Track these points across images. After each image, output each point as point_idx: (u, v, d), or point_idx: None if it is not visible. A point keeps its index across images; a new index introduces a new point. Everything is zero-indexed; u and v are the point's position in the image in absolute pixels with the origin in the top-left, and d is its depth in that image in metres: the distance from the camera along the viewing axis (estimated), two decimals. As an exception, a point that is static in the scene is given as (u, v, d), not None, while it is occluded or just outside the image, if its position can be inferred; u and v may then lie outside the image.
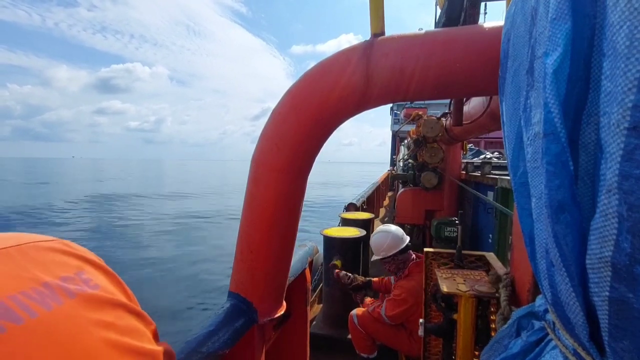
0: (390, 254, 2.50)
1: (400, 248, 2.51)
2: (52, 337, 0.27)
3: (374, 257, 2.64)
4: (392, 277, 2.77)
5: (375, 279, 2.89)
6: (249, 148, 1.62)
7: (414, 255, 2.61)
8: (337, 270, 2.88)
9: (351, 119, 1.51)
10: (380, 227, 2.67)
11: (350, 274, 2.83)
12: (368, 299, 2.77)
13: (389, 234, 2.56)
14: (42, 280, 0.29)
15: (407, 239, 2.61)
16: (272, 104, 1.55)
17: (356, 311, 2.65)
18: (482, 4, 2.44)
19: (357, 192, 9.55)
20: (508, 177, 2.63)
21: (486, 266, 1.52)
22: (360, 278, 2.83)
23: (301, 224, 1.70)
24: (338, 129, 1.57)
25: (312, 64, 1.50)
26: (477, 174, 4.60)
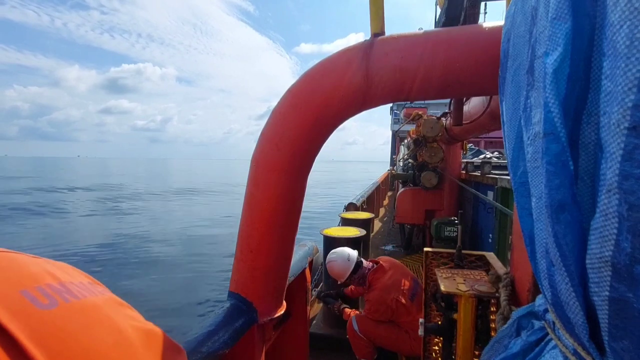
0: (345, 278, 2.62)
1: (350, 270, 2.61)
2: (100, 312, 0.34)
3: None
4: None
5: (347, 289, 3.02)
6: (254, 147, 1.62)
7: (369, 265, 2.68)
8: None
9: (355, 118, 1.52)
10: (328, 257, 2.74)
11: (323, 292, 3.06)
12: (347, 310, 2.82)
13: (336, 262, 2.65)
14: (77, 279, 0.36)
15: (355, 256, 2.66)
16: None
17: (356, 317, 2.65)
18: (482, 3, 2.44)
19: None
20: (508, 177, 2.63)
21: (486, 266, 1.52)
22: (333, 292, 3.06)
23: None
24: (342, 127, 1.58)
25: (317, 64, 1.49)
26: (477, 173, 4.60)
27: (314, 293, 3.15)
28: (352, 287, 2.97)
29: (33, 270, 0.31)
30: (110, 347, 0.32)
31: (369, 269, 2.64)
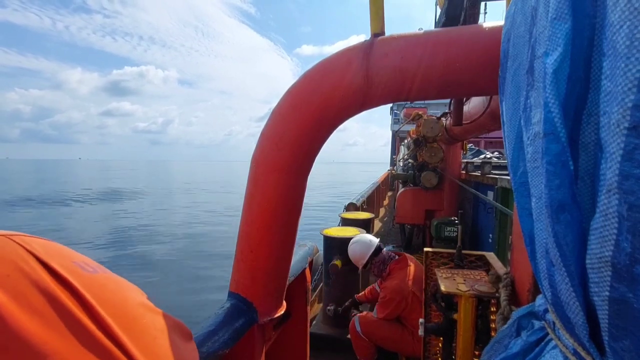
0: (365, 260, 2.64)
1: (370, 252, 2.64)
2: (124, 282, 0.41)
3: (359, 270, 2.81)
4: (375, 284, 2.88)
5: (359, 294, 3.01)
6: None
7: (391, 254, 2.71)
8: (330, 309, 3.03)
9: (356, 119, 1.52)
10: (349, 243, 2.77)
11: (337, 308, 3.02)
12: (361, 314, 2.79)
13: (357, 244, 2.70)
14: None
15: (376, 241, 2.72)
16: (279, 105, 1.54)
17: (359, 319, 2.64)
18: (482, 3, 2.44)
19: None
20: (508, 177, 2.63)
21: (486, 266, 1.52)
22: (348, 303, 3.00)
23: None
24: (342, 128, 1.58)
25: (318, 65, 1.49)
26: (477, 173, 4.61)
27: (319, 304, 3.13)
28: (365, 292, 2.96)
29: (72, 251, 0.39)
30: (138, 305, 0.40)
31: (391, 257, 2.67)
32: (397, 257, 2.69)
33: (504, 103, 0.71)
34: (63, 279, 0.32)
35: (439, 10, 3.02)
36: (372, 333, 2.54)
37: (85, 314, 0.31)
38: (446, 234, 4.51)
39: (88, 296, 0.32)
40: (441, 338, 1.59)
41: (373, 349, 2.59)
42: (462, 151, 5.61)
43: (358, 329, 2.58)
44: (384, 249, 2.72)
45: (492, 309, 1.29)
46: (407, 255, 2.72)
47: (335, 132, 1.59)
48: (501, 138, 0.73)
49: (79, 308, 0.31)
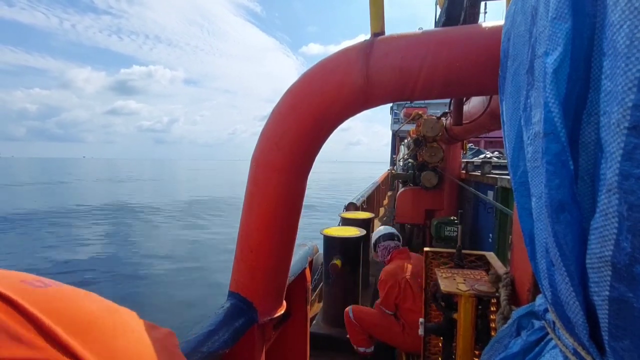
0: (374, 240, 3.02)
1: (382, 233, 3.01)
2: (83, 291, 0.39)
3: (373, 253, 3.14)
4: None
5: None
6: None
7: (398, 244, 2.98)
8: None
9: (359, 118, 1.52)
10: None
11: None
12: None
13: (379, 230, 3.09)
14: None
15: (390, 231, 3.08)
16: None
17: (352, 306, 2.77)
18: (482, 3, 2.44)
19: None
20: (508, 177, 2.63)
21: (486, 266, 1.52)
22: None
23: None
24: (345, 127, 1.58)
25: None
26: (477, 173, 4.60)
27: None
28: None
29: (24, 274, 0.38)
30: (100, 310, 0.38)
31: (394, 247, 2.92)
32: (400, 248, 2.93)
33: (504, 103, 0.71)
34: (4, 296, 0.31)
35: (438, 10, 3.02)
36: (363, 319, 2.65)
37: (30, 326, 0.31)
38: (446, 233, 4.51)
39: (31, 308, 0.32)
40: (441, 338, 1.60)
41: (365, 335, 2.69)
42: (462, 151, 5.61)
43: (350, 315, 2.71)
44: (395, 241, 2.97)
45: (492, 309, 1.29)
46: (413, 253, 2.88)
47: (338, 131, 1.59)
48: (501, 138, 0.73)
49: (19, 321, 0.30)
